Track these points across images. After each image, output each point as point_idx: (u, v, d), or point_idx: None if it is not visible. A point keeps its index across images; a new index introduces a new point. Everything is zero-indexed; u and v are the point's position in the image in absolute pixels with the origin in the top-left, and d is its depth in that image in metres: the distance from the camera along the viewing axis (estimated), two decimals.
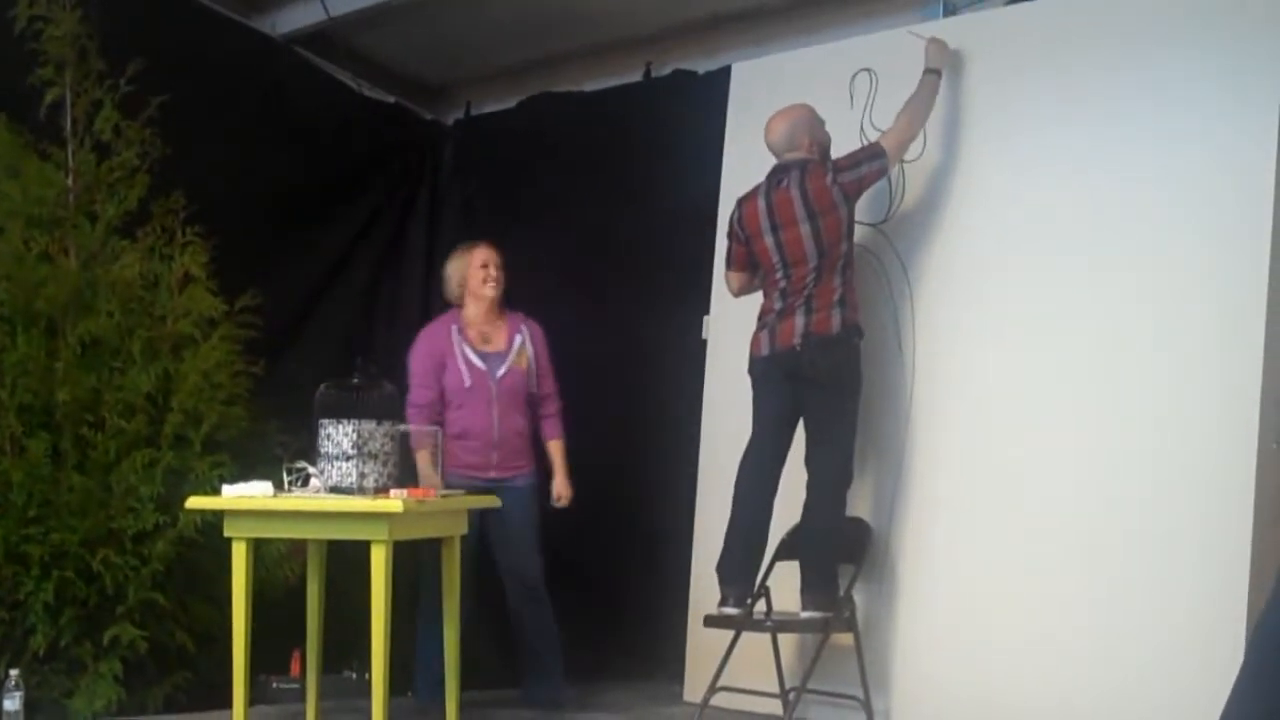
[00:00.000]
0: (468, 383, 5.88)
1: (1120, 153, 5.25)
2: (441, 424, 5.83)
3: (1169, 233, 5.10)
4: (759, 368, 5.50)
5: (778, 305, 5.46)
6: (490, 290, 5.98)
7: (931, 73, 5.58)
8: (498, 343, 6.00)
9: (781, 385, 5.44)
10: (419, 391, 5.89)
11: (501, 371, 5.94)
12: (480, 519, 5.76)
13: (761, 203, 5.51)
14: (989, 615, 5.31)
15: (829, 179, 5.40)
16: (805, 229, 5.39)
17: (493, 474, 5.90)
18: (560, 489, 6.06)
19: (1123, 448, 5.08)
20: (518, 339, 6.02)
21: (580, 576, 6.64)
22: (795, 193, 5.41)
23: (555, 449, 6.12)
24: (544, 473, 6.08)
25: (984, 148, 5.62)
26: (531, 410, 6.06)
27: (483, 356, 5.94)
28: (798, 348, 5.36)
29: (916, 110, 5.55)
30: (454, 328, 5.97)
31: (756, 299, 5.63)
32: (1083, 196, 5.33)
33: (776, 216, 5.46)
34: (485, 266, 5.99)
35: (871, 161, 5.45)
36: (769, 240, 5.48)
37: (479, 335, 5.98)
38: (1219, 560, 4.78)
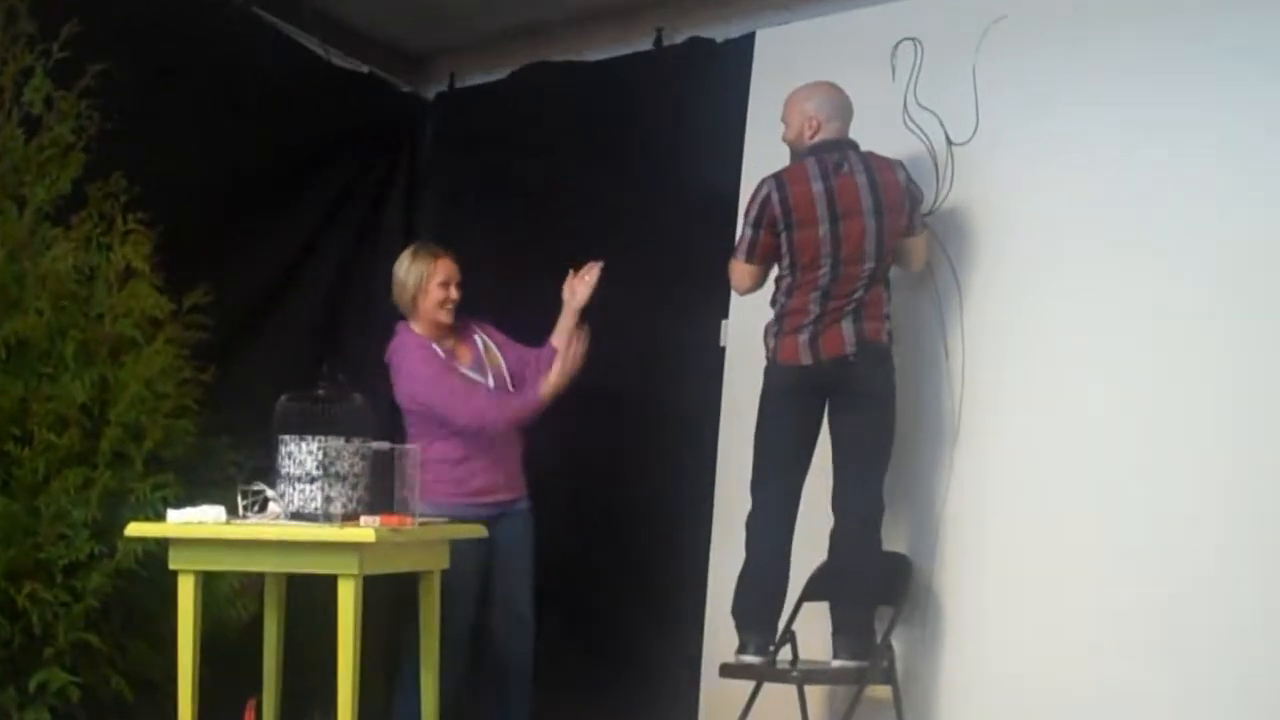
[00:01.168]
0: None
1: (1199, 137, 5.27)
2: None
3: (1254, 226, 5.11)
4: (791, 379, 5.48)
5: (814, 308, 5.44)
6: (446, 316, 6.03)
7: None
8: (464, 354, 6.08)
9: (811, 400, 5.44)
10: (476, 389, 5.98)
11: (491, 381, 6.01)
12: (486, 555, 5.83)
13: (818, 186, 5.47)
14: (1051, 665, 5.31)
15: (901, 176, 5.46)
16: (870, 223, 5.40)
17: (502, 495, 6.00)
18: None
19: (1203, 472, 5.08)
20: (478, 340, 6.11)
21: (577, 618, 6.65)
22: (863, 180, 5.43)
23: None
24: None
25: (1044, 126, 5.63)
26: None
27: (471, 369, 6.02)
28: (851, 359, 5.37)
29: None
30: (434, 347, 6.02)
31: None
32: (1155, 183, 5.35)
33: (838, 204, 5.44)
34: (446, 285, 6.02)
35: (921, 218, 5.59)
36: (823, 230, 5.43)
37: (448, 353, 6.04)
38: None
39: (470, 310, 6.14)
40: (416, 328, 6.06)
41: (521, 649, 6.06)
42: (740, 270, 5.75)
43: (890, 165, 5.50)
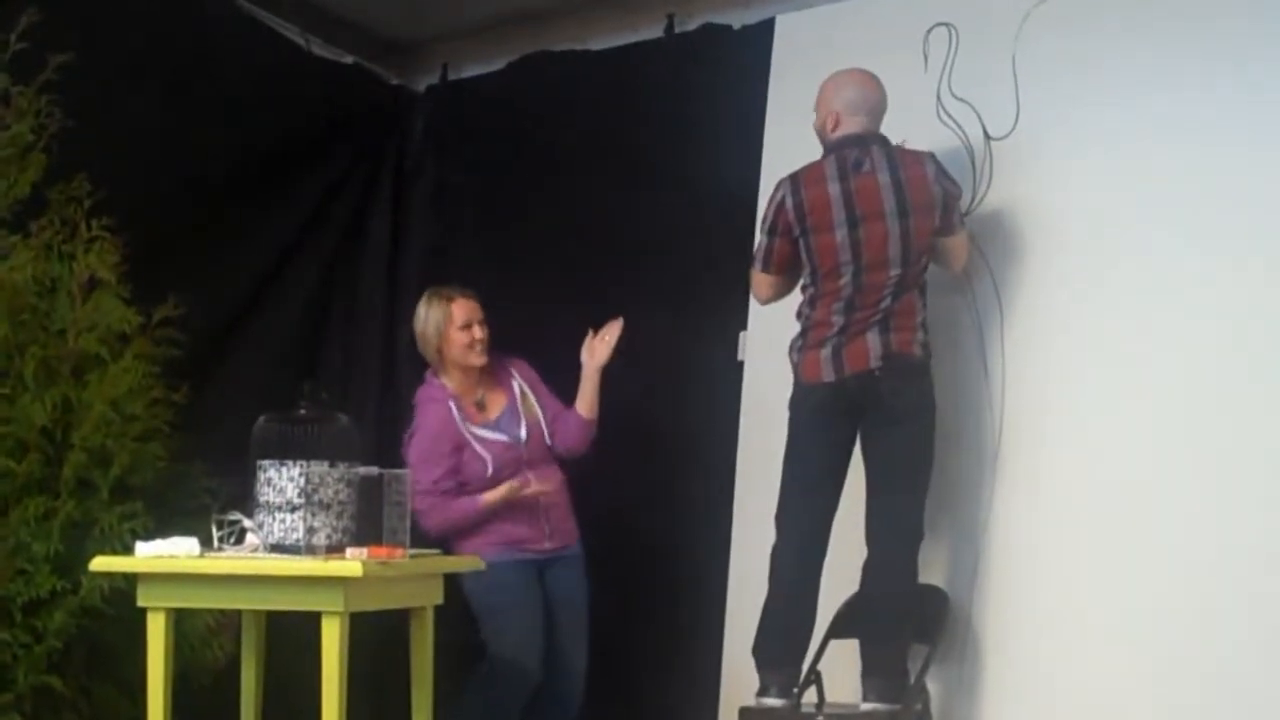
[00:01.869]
0: (490, 470, 6.02)
1: (1268, 127, 5.26)
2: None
3: None
4: (819, 397, 5.47)
5: (838, 320, 5.43)
6: (477, 359, 6.11)
7: None
8: (496, 402, 6.18)
9: (844, 419, 5.44)
10: (440, 475, 6.00)
11: (524, 431, 6.11)
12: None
13: (835, 188, 5.47)
14: (1100, 710, 5.29)
15: (931, 171, 5.43)
16: (894, 226, 5.38)
17: (548, 545, 6.09)
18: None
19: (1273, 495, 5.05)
20: (515, 387, 6.20)
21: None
22: (885, 179, 5.41)
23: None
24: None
25: (1087, 117, 5.63)
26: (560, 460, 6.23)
27: (493, 427, 6.09)
28: (877, 373, 5.36)
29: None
30: (450, 403, 6.06)
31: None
32: (1215, 180, 5.34)
33: (857, 207, 5.43)
34: (468, 327, 6.07)
35: (961, 213, 5.56)
36: (840, 235, 5.43)
37: (474, 405, 6.12)
38: None
39: None
40: (445, 379, 6.15)
41: (570, 712, 6.16)
42: (758, 280, 5.77)
43: (919, 160, 5.48)
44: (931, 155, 5.51)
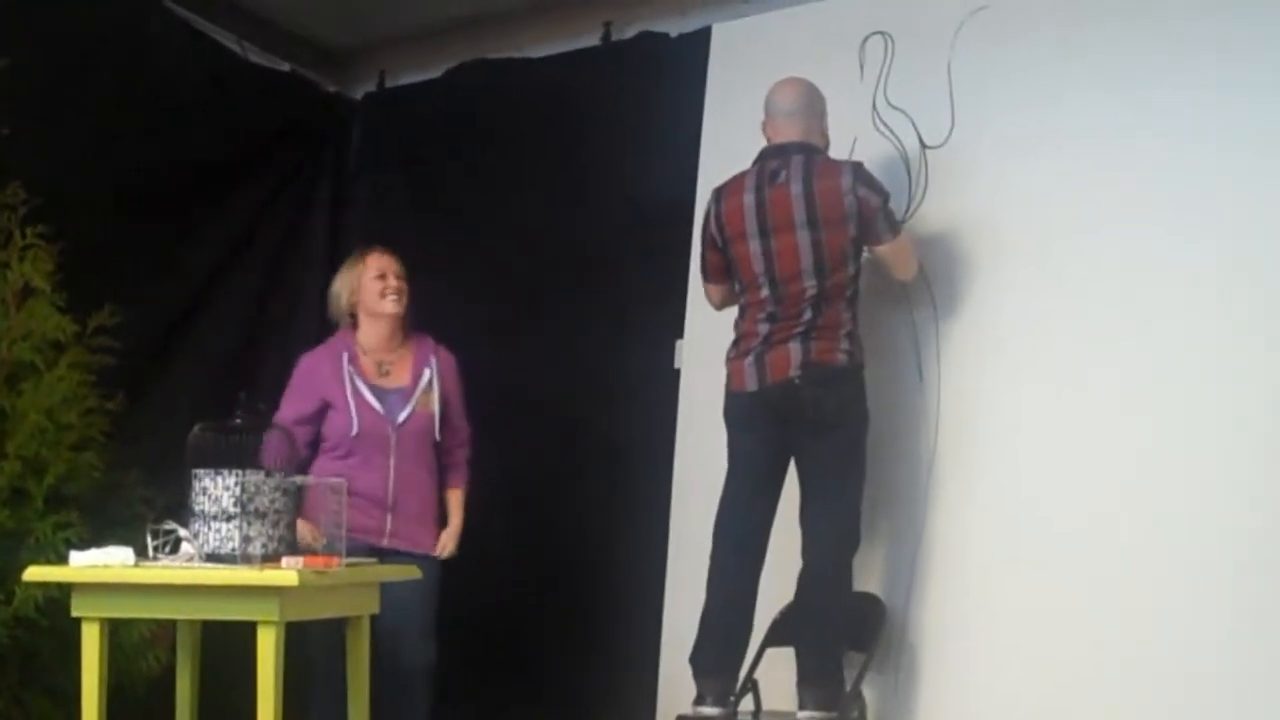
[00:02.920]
0: (356, 429, 5.90)
1: (1206, 125, 5.30)
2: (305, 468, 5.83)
3: (1259, 229, 5.14)
4: (743, 406, 5.50)
5: (763, 329, 5.46)
6: (391, 305, 6.01)
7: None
8: (400, 376, 6.04)
9: (770, 428, 5.45)
10: (295, 418, 5.88)
11: (404, 416, 5.97)
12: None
13: (750, 199, 5.52)
14: (1035, 715, 5.31)
15: (847, 181, 5.42)
16: (804, 238, 5.40)
17: (384, 543, 5.92)
18: (448, 540, 6.05)
19: (1202, 505, 5.10)
20: (426, 373, 6.05)
21: (520, 666, 6.64)
22: (797, 189, 5.42)
23: (455, 500, 6.12)
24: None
25: (1025, 125, 5.66)
26: (438, 463, 6.09)
27: (379, 394, 5.97)
28: (797, 381, 5.37)
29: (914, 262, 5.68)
30: (344, 355, 5.98)
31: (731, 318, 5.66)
32: (1148, 185, 5.38)
33: (768, 218, 5.46)
34: (383, 276, 6.01)
35: (892, 219, 5.52)
36: (754, 246, 5.48)
37: (375, 366, 6.00)
38: None
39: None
40: (359, 332, 6.07)
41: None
42: (705, 289, 5.85)
43: (836, 171, 5.47)
44: (854, 165, 5.51)
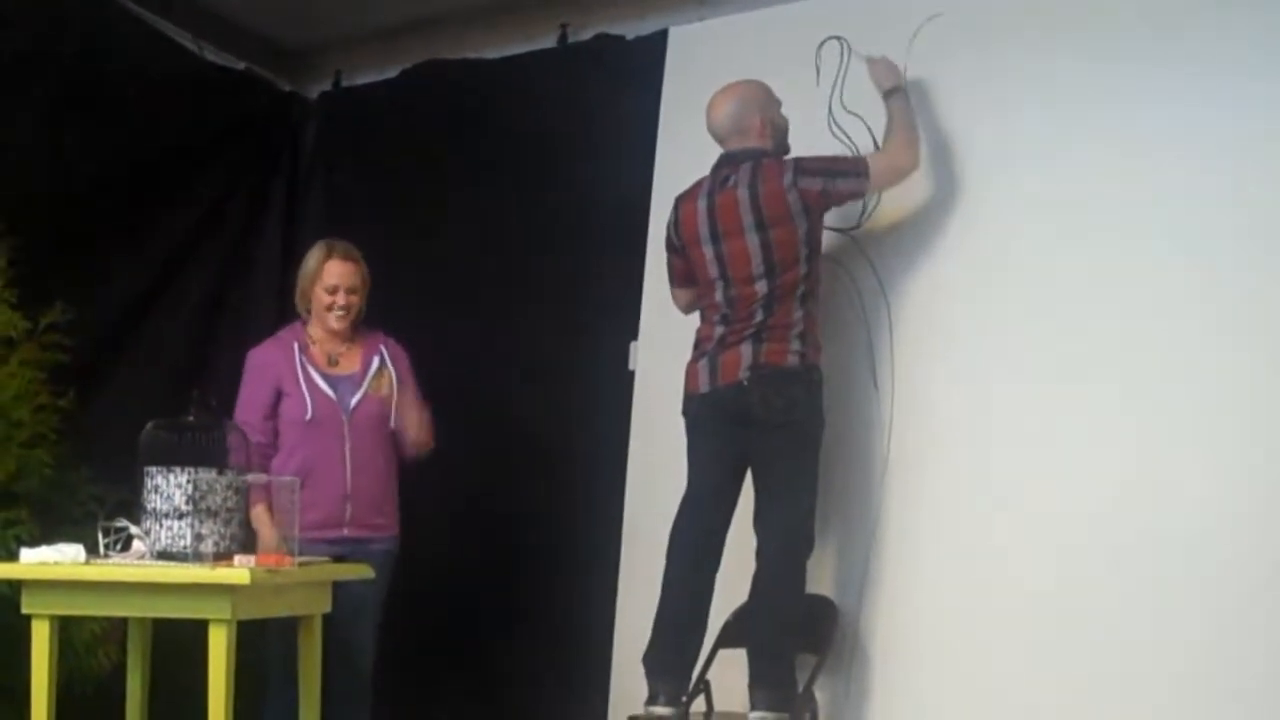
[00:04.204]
0: (309, 414, 5.89)
1: (1152, 131, 5.32)
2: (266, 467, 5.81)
3: (1220, 228, 5.16)
4: (697, 408, 5.51)
5: (718, 331, 5.48)
6: (335, 322, 6.02)
7: (893, 94, 5.64)
8: (349, 364, 6.04)
9: (724, 430, 5.45)
10: (256, 419, 5.87)
11: (355, 400, 5.96)
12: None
13: (702, 204, 5.55)
14: (988, 717, 5.33)
15: (787, 179, 5.42)
16: (753, 240, 5.42)
17: (346, 532, 5.88)
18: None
19: (1157, 507, 5.11)
20: (375, 360, 6.05)
21: (471, 668, 6.63)
22: (744, 194, 5.45)
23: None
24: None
25: (979, 132, 5.67)
26: (395, 451, 6.06)
27: (331, 382, 5.96)
28: (745, 383, 5.37)
29: (910, 136, 5.60)
30: (295, 344, 5.98)
31: (692, 322, 5.65)
32: (1102, 190, 5.39)
33: (719, 223, 5.49)
34: (334, 292, 6.00)
35: (848, 178, 5.48)
36: (708, 251, 5.52)
37: (325, 356, 6.00)
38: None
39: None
40: (309, 326, 6.08)
41: (358, 711, 5.96)
42: (672, 292, 5.88)
43: (778, 171, 5.47)
44: (794, 161, 5.51)
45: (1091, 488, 5.21)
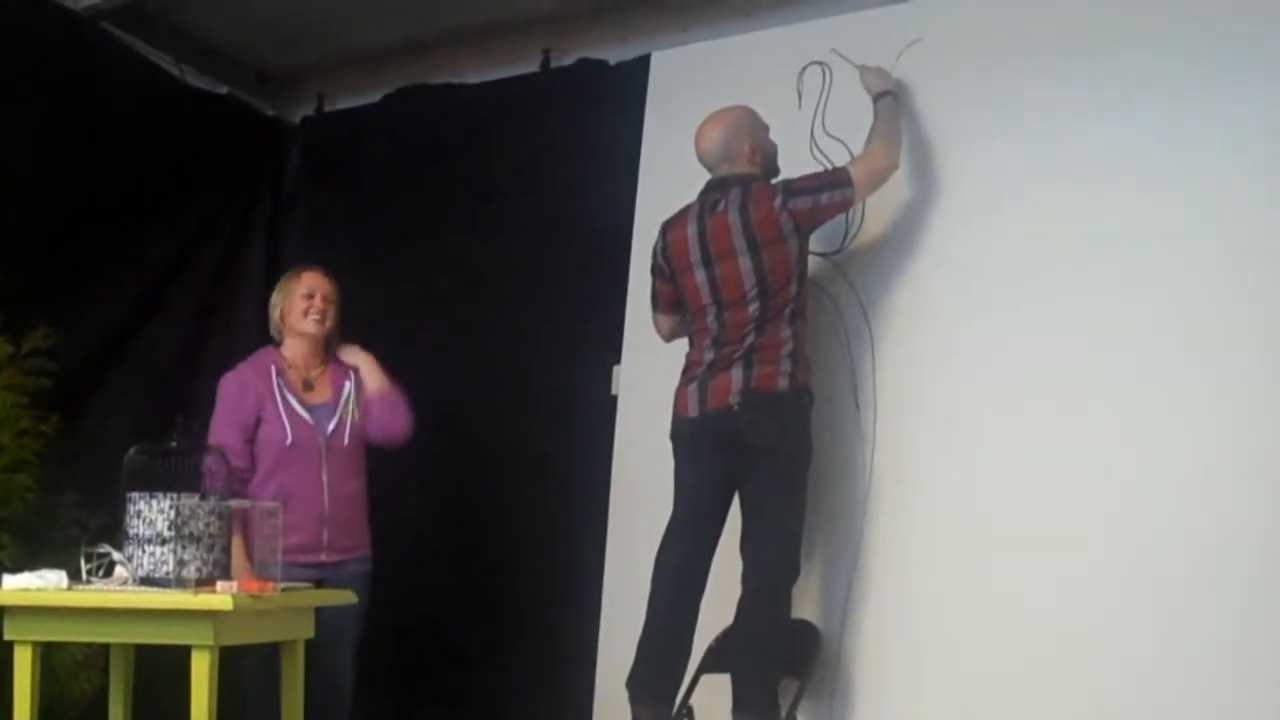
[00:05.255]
0: (289, 439, 5.87)
1: (1134, 154, 5.33)
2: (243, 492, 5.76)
3: (1202, 251, 5.16)
4: (685, 432, 5.50)
5: (709, 356, 5.47)
6: (312, 325, 6.01)
7: (883, 97, 5.65)
8: (322, 392, 6.03)
9: (712, 455, 5.44)
10: (237, 445, 5.83)
11: (332, 426, 5.95)
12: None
13: (692, 229, 5.54)
14: None
15: (777, 202, 5.43)
16: (745, 263, 5.42)
17: (324, 556, 5.88)
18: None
19: (1138, 532, 5.10)
20: (346, 387, 6.05)
21: (455, 693, 6.61)
22: (735, 218, 5.44)
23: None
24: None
25: (962, 156, 5.68)
26: (366, 474, 6.06)
27: (308, 408, 5.95)
28: (736, 407, 5.36)
29: (888, 138, 5.61)
30: (272, 368, 5.96)
31: (680, 346, 5.64)
32: (1081, 215, 5.39)
33: (710, 247, 5.49)
34: (310, 296, 6.01)
35: (834, 190, 5.48)
36: (699, 276, 5.51)
37: (300, 381, 5.99)
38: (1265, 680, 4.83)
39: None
40: (284, 348, 6.06)
41: None
42: (655, 319, 5.86)
43: (768, 194, 5.48)
44: (783, 184, 5.52)
45: (1077, 507, 5.21)
